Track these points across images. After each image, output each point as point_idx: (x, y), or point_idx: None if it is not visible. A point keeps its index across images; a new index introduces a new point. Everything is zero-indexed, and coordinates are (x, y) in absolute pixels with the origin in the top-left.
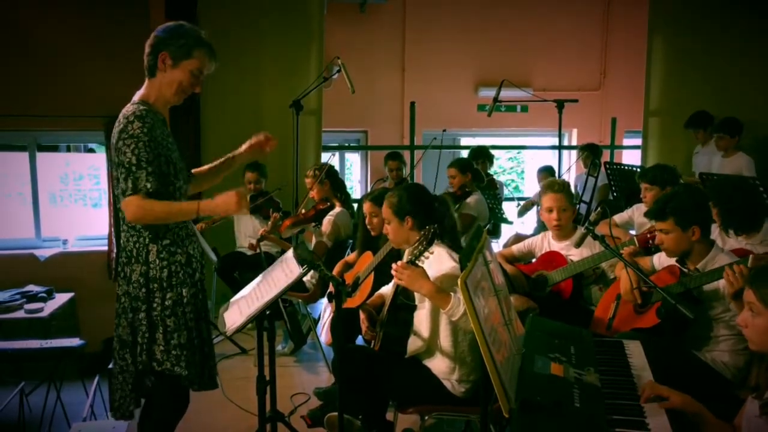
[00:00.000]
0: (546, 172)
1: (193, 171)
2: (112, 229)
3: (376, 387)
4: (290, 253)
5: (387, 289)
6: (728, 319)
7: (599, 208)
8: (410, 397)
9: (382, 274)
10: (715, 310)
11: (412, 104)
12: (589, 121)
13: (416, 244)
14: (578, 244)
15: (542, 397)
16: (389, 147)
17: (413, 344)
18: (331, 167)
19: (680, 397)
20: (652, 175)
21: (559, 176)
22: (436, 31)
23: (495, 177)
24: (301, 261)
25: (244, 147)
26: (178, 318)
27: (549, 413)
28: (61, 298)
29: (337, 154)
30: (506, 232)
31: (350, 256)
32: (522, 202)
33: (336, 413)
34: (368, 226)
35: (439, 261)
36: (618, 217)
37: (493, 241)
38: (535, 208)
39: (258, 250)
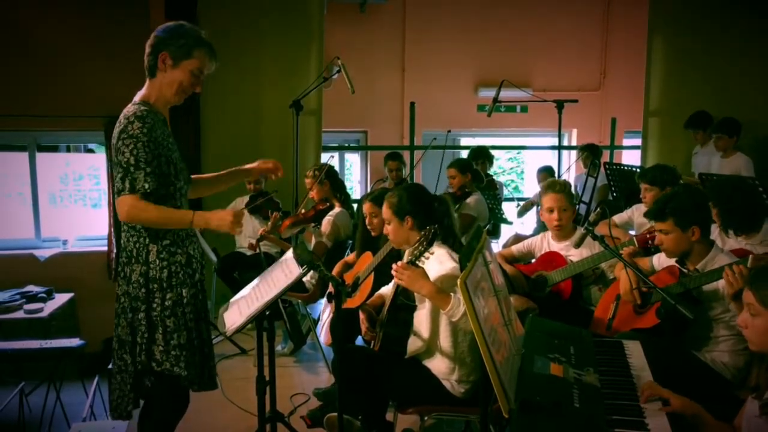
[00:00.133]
0: (546, 172)
1: (193, 177)
2: (112, 230)
3: (376, 387)
4: (290, 253)
5: (387, 290)
6: (728, 319)
7: (599, 209)
8: (410, 397)
9: (382, 275)
10: (714, 311)
11: (412, 104)
12: (588, 121)
13: (416, 245)
14: (578, 245)
15: (542, 397)
16: (389, 147)
17: (413, 344)
18: (331, 167)
19: (679, 400)
20: (652, 175)
21: (559, 176)
22: (436, 31)
23: (495, 177)
24: (300, 261)
25: (251, 166)
26: (178, 318)
27: (548, 413)
28: (61, 299)
29: (336, 154)
30: (506, 232)
31: (350, 257)
32: (522, 203)
33: (336, 413)
34: (368, 227)
35: (439, 261)
36: (617, 218)
37: (493, 241)
38: (534, 209)
39: (258, 251)
